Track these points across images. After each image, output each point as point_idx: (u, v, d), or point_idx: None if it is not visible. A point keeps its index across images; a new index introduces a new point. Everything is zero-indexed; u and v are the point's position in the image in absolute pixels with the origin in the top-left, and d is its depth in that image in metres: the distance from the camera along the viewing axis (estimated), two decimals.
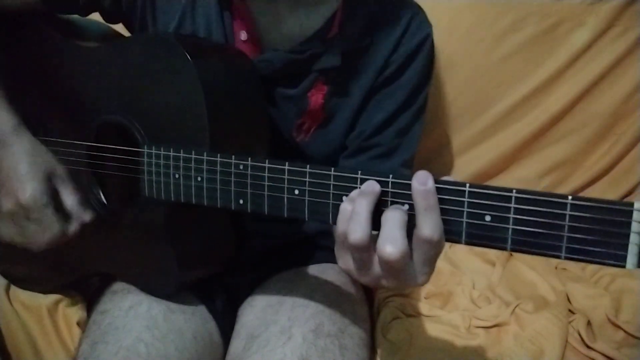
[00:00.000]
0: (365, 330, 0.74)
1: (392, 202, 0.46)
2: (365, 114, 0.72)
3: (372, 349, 0.78)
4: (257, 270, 0.79)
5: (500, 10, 1.01)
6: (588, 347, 0.81)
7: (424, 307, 0.88)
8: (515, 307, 0.87)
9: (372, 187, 0.46)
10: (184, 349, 0.65)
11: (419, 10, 0.72)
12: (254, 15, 0.67)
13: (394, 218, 0.45)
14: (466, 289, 0.93)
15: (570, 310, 0.88)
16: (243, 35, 0.68)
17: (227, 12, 0.68)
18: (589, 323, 0.85)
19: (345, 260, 0.49)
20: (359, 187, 0.47)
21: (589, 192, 1.08)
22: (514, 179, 1.09)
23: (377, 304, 0.88)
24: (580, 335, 0.83)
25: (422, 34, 0.71)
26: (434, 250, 0.45)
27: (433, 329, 0.83)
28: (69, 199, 0.64)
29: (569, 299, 0.91)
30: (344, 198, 0.48)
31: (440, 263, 0.97)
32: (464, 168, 1.09)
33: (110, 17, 0.73)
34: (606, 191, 1.07)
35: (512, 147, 1.07)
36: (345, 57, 0.68)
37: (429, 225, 0.43)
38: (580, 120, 1.05)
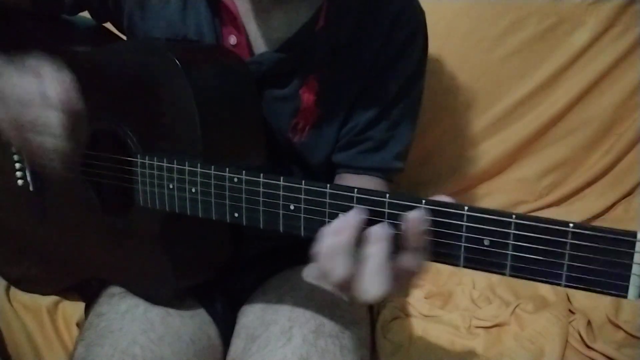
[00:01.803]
0: (365, 330, 0.74)
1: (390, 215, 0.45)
2: (357, 108, 0.71)
3: (372, 349, 0.78)
4: (257, 272, 0.79)
5: (500, 11, 1.01)
6: (588, 347, 0.81)
7: (424, 307, 0.88)
8: (515, 307, 0.87)
9: (353, 217, 0.45)
10: (181, 351, 0.65)
11: None
12: (242, 17, 0.65)
13: (377, 256, 0.43)
14: (466, 289, 0.93)
15: (570, 310, 0.88)
16: (232, 40, 0.66)
17: (217, 18, 0.66)
18: (589, 323, 0.85)
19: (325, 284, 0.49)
20: (354, 205, 0.46)
21: (589, 192, 1.08)
22: (514, 179, 1.09)
23: (377, 304, 0.88)
24: (580, 335, 0.83)
25: (414, 23, 0.68)
26: (413, 279, 0.45)
27: (433, 329, 0.83)
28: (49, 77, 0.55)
29: (569, 299, 0.91)
30: (327, 230, 0.46)
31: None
32: (464, 168, 1.09)
33: (98, 16, 0.73)
34: (606, 191, 1.07)
35: (512, 147, 1.07)
36: (334, 51, 0.67)
37: (413, 263, 0.43)
38: (581, 120, 1.05)
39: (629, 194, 1.06)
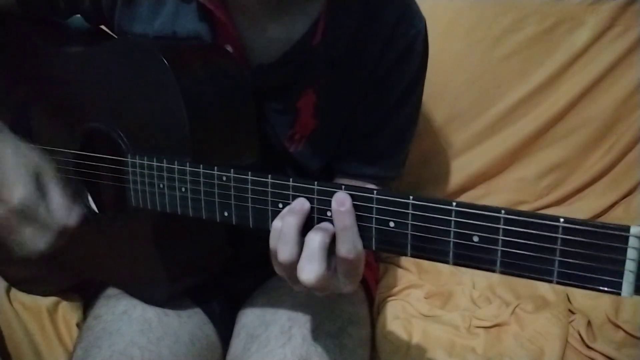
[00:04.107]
0: (365, 330, 0.74)
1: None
2: (356, 117, 0.70)
3: (372, 349, 0.78)
4: (257, 272, 0.79)
5: (500, 10, 1.01)
6: (588, 347, 0.81)
7: (424, 307, 0.88)
8: (515, 307, 0.87)
9: (301, 204, 0.48)
10: (180, 351, 0.65)
11: (409, 5, 0.67)
12: (237, 27, 0.64)
13: (314, 241, 0.46)
14: (466, 289, 0.93)
15: (570, 310, 0.88)
16: (228, 49, 0.65)
17: (209, 26, 0.64)
18: (589, 323, 0.85)
19: (279, 270, 0.51)
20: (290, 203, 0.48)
21: (589, 192, 1.08)
22: (514, 179, 1.09)
23: (377, 304, 0.88)
24: (580, 335, 0.83)
25: (412, 31, 0.67)
26: (352, 267, 0.47)
27: (433, 329, 0.83)
28: (55, 199, 0.60)
29: (569, 299, 0.91)
30: (278, 214, 0.49)
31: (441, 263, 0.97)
32: (464, 168, 1.09)
33: (90, 20, 0.71)
34: (606, 191, 1.07)
35: (512, 147, 1.07)
36: (332, 64, 0.65)
37: (345, 246, 0.45)
38: (580, 120, 1.05)
39: (629, 194, 1.06)
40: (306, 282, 0.46)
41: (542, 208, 1.08)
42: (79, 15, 0.72)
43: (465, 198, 1.10)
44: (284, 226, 0.47)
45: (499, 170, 1.09)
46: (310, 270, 0.46)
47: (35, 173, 0.59)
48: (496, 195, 1.09)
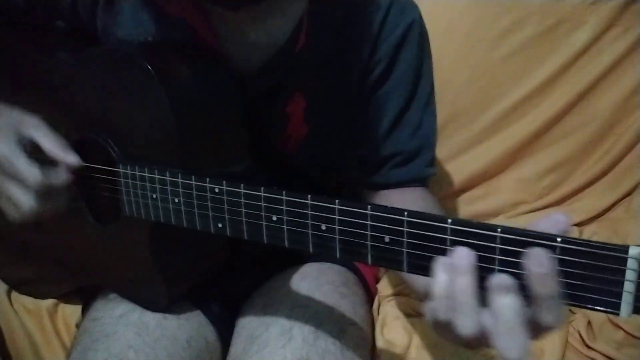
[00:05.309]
0: (366, 330, 0.74)
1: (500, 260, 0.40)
2: (369, 124, 0.68)
3: (372, 349, 0.78)
4: (257, 272, 0.79)
5: (500, 10, 1.01)
6: (588, 347, 0.81)
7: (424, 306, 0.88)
8: None
9: (467, 259, 0.39)
10: (177, 353, 0.64)
11: None
12: (218, 36, 0.62)
13: (511, 311, 0.37)
14: None
15: (570, 310, 0.88)
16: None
17: (190, 36, 0.62)
18: (589, 323, 0.85)
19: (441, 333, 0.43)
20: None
21: (589, 192, 1.08)
22: (514, 179, 1.09)
23: (377, 304, 0.88)
24: (580, 335, 0.83)
25: (405, 22, 0.64)
26: (549, 332, 0.39)
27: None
28: (46, 141, 0.59)
29: None
30: (439, 264, 0.41)
31: None
32: (464, 168, 1.09)
33: (71, 25, 0.70)
34: (606, 191, 1.07)
35: (512, 147, 1.07)
36: (319, 67, 0.64)
37: (550, 315, 0.37)
38: (580, 120, 1.05)
39: (629, 194, 1.06)
40: (517, 358, 0.37)
41: (542, 208, 1.08)
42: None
43: (465, 198, 1.10)
44: (457, 292, 0.38)
45: (499, 170, 1.09)
46: (518, 347, 0.37)
47: (14, 127, 0.58)
48: (496, 195, 1.09)
